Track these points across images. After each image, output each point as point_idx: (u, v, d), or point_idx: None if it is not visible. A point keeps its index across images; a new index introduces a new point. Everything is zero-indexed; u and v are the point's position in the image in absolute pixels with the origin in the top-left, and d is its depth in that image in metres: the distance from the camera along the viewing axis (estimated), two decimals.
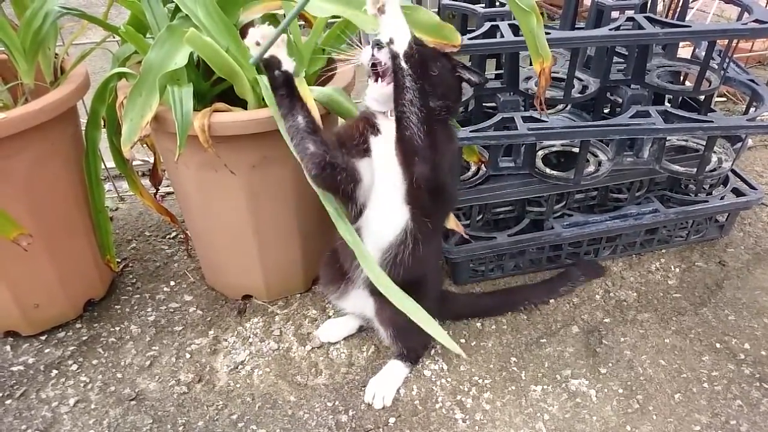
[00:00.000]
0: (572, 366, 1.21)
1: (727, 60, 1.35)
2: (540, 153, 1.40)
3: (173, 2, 1.07)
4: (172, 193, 1.68)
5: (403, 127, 0.90)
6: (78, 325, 1.32)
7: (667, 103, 1.43)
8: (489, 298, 1.36)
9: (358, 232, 1.01)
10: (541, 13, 1.07)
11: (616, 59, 1.44)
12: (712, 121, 1.25)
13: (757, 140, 1.98)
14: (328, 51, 1.14)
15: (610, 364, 1.21)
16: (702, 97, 1.39)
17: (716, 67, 1.38)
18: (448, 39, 0.99)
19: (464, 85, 1.01)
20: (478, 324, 1.31)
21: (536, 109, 1.08)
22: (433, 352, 1.24)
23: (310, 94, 1.09)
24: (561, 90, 1.30)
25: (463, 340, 1.27)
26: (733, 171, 1.55)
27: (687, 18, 1.48)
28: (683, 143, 1.48)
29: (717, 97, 2.17)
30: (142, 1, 1.10)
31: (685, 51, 1.77)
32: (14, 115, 1.03)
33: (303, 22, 1.30)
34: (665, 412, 1.12)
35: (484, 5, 1.44)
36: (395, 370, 1.18)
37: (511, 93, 1.32)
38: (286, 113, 0.97)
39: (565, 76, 1.27)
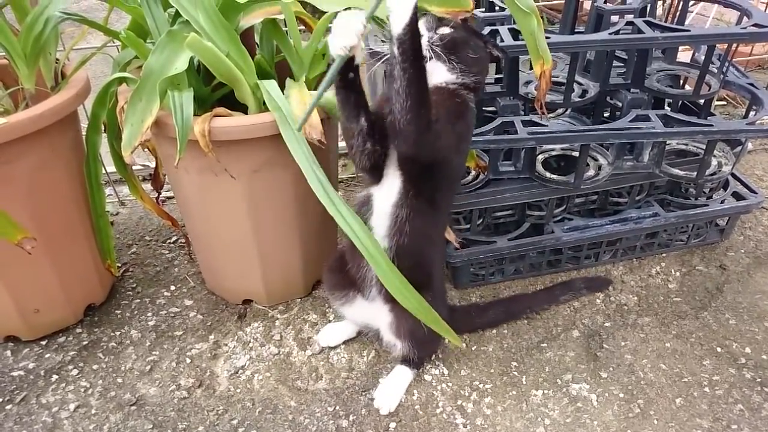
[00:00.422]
0: (573, 370, 1.21)
1: (726, 64, 1.35)
2: (540, 157, 1.40)
3: (174, 7, 1.07)
4: (173, 197, 1.68)
5: (391, 111, 0.93)
6: (78, 330, 1.32)
7: (667, 108, 1.43)
8: (491, 311, 1.33)
9: (371, 199, 1.06)
10: (541, 18, 1.07)
11: (616, 63, 1.44)
12: (711, 125, 1.25)
13: (758, 144, 1.98)
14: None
15: (611, 369, 1.21)
16: (702, 101, 1.39)
17: (716, 71, 1.38)
18: (459, 5, 0.98)
19: None
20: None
21: (536, 113, 1.08)
22: (433, 356, 1.24)
23: (310, 98, 1.09)
24: (561, 94, 1.30)
25: (463, 345, 1.27)
26: (733, 175, 1.56)
27: (686, 22, 1.48)
28: (683, 147, 1.48)
29: (717, 100, 2.17)
30: (143, 6, 1.10)
31: (685, 55, 1.77)
32: (15, 120, 1.03)
33: (303, 27, 1.30)
34: (666, 417, 1.12)
35: (484, 9, 1.44)
36: (402, 376, 1.18)
37: (511, 97, 1.32)
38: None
39: (565, 81, 1.28)
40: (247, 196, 1.17)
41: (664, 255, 1.51)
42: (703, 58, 1.29)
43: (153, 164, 1.38)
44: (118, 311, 1.37)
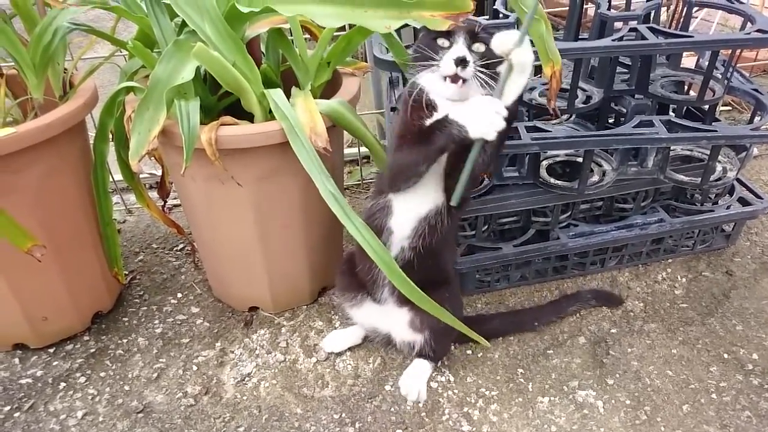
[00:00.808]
0: (579, 377, 1.21)
1: (730, 70, 1.35)
2: (544, 163, 1.40)
3: (180, 17, 1.08)
4: (180, 205, 1.69)
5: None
6: (86, 338, 1.33)
7: (672, 113, 1.43)
8: (497, 320, 1.33)
9: (390, 203, 1.04)
10: None
11: (620, 69, 1.45)
12: (715, 131, 1.25)
13: (763, 149, 1.97)
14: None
15: (618, 375, 1.21)
16: (706, 107, 1.39)
17: (720, 76, 1.38)
18: (460, 8, 0.93)
19: None
20: None
21: (540, 119, 1.09)
22: (439, 363, 1.24)
23: (315, 107, 1.10)
24: (565, 100, 1.31)
25: (469, 352, 1.27)
26: (738, 180, 1.55)
27: (691, 27, 1.48)
28: (688, 153, 1.48)
29: (722, 106, 2.17)
30: (150, 16, 1.11)
31: (689, 61, 1.77)
32: (24, 129, 1.05)
33: (308, 36, 1.31)
34: (673, 424, 1.11)
35: (488, 17, 1.45)
36: (423, 367, 1.20)
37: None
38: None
39: (569, 87, 1.28)
40: (253, 204, 1.17)
41: (670, 261, 1.51)
42: (707, 63, 1.29)
43: (159, 172, 1.39)
44: (125, 319, 1.38)
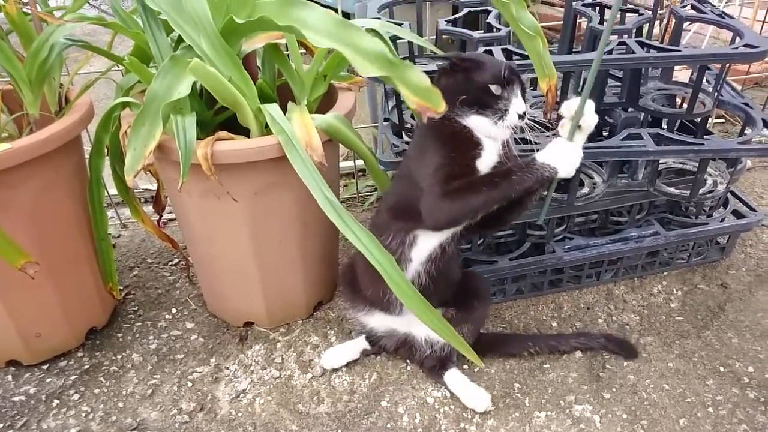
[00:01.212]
0: (576, 391, 1.20)
1: (720, 83, 1.36)
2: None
3: (177, 33, 1.09)
4: (175, 219, 1.68)
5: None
6: (80, 354, 1.32)
7: (664, 126, 1.44)
8: (496, 340, 1.32)
9: (417, 238, 1.08)
10: None
11: (612, 83, 1.46)
12: (702, 144, 1.26)
13: (757, 161, 1.99)
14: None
15: (614, 389, 1.21)
16: (698, 120, 1.40)
17: (711, 90, 1.40)
18: (433, 105, 0.93)
19: None
20: None
21: (532, 131, 1.10)
22: (437, 377, 1.23)
23: (311, 122, 1.10)
24: (554, 113, 1.31)
25: (466, 366, 1.26)
26: (732, 193, 1.56)
27: (684, 40, 1.50)
28: (680, 166, 1.49)
29: (716, 118, 2.19)
30: (146, 32, 1.12)
31: (685, 74, 1.79)
32: (20, 145, 1.05)
33: (304, 50, 1.32)
34: None
35: (483, 31, 1.46)
36: (459, 376, 1.20)
37: None
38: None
39: (558, 99, 1.29)
40: (248, 219, 1.17)
41: (665, 274, 1.51)
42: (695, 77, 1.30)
43: (154, 186, 1.39)
44: (120, 335, 1.37)
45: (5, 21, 1.16)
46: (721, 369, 1.25)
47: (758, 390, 1.19)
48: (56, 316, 1.25)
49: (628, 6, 1.56)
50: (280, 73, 1.26)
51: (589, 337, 1.29)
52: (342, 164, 1.89)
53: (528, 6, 1.04)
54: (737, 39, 1.27)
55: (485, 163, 1.00)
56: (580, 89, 1.45)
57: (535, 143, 1.24)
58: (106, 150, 1.22)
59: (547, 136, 1.49)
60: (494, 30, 1.37)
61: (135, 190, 1.33)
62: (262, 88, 1.18)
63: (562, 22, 1.54)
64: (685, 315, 1.39)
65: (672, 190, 1.37)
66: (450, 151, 0.98)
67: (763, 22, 2.16)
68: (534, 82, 1.44)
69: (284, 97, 1.22)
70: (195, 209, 1.20)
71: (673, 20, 1.45)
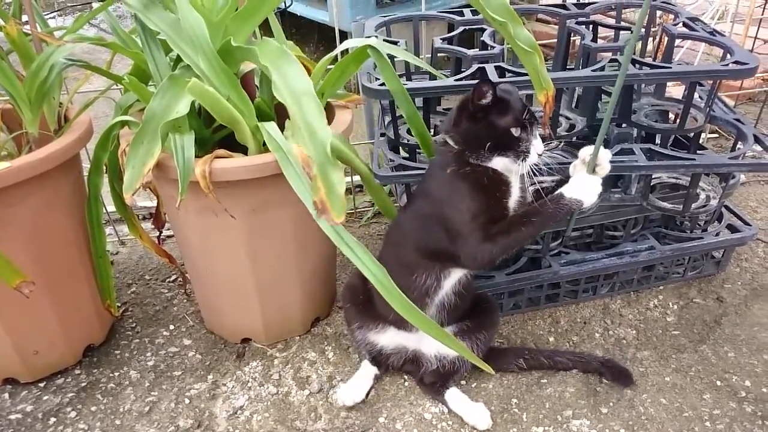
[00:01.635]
0: (573, 406, 1.21)
1: (711, 99, 1.38)
2: (531, 189, 1.41)
3: (175, 52, 1.10)
4: (173, 236, 1.69)
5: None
6: (77, 371, 1.32)
7: (658, 142, 1.45)
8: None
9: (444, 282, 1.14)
10: None
11: (606, 99, 1.48)
12: (693, 159, 1.27)
13: (751, 176, 2.00)
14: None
15: (611, 404, 1.21)
16: (691, 135, 1.42)
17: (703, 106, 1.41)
18: (336, 213, 0.95)
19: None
20: None
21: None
22: (435, 394, 1.23)
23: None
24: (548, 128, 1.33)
25: (463, 382, 1.26)
26: (727, 207, 1.57)
27: (678, 56, 1.52)
28: (674, 181, 1.50)
29: (709, 134, 2.21)
30: (145, 52, 1.14)
31: (678, 90, 1.81)
32: (19, 164, 1.06)
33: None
34: None
35: (478, 48, 1.48)
36: (459, 395, 1.21)
37: None
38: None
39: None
40: (246, 236, 1.18)
41: (661, 288, 1.52)
42: (696, 94, 1.32)
43: (154, 203, 1.39)
44: (117, 352, 1.37)
45: (5, 41, 1.17)
46: (718, 383, 1.25)
47: (755, 404, 1.20)
48: (54, 334, 1.25)
49: (622, 24, 1.58)
50: None
51: (588, 360, 1.28)
52: None
53: (524, 24, 1.06)
54: (728, 56, 1.29)
55: (513, 198, 1.07)
56: (574, 105, 1.47)
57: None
58: (104, 168, 1.23)
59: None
60: (489, 48, 1.39)
61: (134, 208, 1.34)
62: (259, 106, 1.19)
63: (556, 40, 1.56)
64: (681, 329, 1.39)
65: (665, 204, 1.38)
66: (484, 196, 1.04)
67: (755, 38, 2.19)
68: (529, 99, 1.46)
69: (282, 115, 1.23)
70: (193, 226, 1.21)
71: (666, 37, 1.47)
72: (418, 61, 1.31)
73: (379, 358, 1.26)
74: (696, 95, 1.35)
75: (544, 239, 1.39)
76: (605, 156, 1.05)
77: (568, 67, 1.55)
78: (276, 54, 1.02)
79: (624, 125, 1.38)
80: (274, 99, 1.28)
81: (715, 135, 2.27)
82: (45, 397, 1.25)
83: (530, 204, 1.07)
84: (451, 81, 1.24)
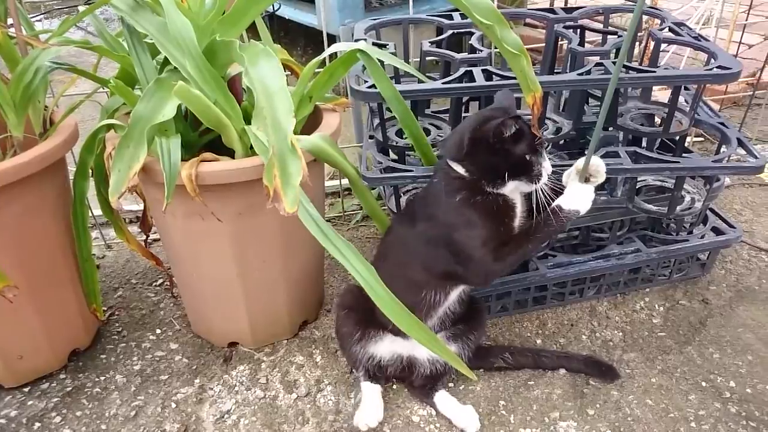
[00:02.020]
0: (560, 408, 1.21)
1: (696, 103, 1.39)
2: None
3: (162, 55, 1.10)
4: (159, 239, 1.68)
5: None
6: (62, 376, 1.30)
7: (644, 145, 1.47)
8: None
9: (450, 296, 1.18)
10: None
11: (593, 102, 1.49)
12: (678, 162, 1.29)
13: (735, 179, 2.03)
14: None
15: (598, 405, 1.21)
16: (677, 138, 1.43)
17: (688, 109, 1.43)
18: (288, 204, 0.93)
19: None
20: None
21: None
22: (423, 397, 1.23)
23: (296, 142, 1.11)
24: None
25: (451, 384, 1.27)
26: (712, 210, 1.59)
27: (663, 61, 1.53)
28: (660, 183, 1.52)
29: (695, 137, 2.23)
30: (132, 56, 1.13)
31: (664, 95, 1.83)
32: (3, 167, 1.05)
33: (289, 72, 1.33)
34: None
35: (467, 52, 1.49)
36: (448, 397, 1.21)
37: None
38: None
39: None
40: (233, 239, 1.18)
41: (647, 290, 1.53)
42: (681, 97, 1.33)
43: (140, 207, 1.39)
44: (103, 356, 1.36)
45: None
46: (703, 384, 1.26)
47: (740, 404, 1.21)
48: (38, 338, 1.24)
49: (609, 28, 1.59)
50: None
51: (571, 360, 1.30)
52: (328, 183, 1.90)
53: (511, 28, 1.07)
54: (712, 60, 1.31)
55: (518, 218, 1.11)
56: (561, 108, 1.49)
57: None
58: (90, 171, 1.22)
59: None
60: (477, 51, 1.40)
61: (120, 212, 1.33)
62: (247, 110, 1.19)
63: (543, 44, 1.57)
64: (667, 331, 1.40)
65: (650, 206, 1.39)
66: (494, 222, 1.07)
67: (739, 43, 2.22)
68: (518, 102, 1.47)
69: None
70: (179, 230, 1.21)
71: (652, 42, 1.48)
72: (406, 66, 1.31)
73: (378, 374, 1.24)
74: (681, 99, 1.36)
75: None
76: (602, 166, 1.08)
77: (555, 71, 1.56)
78: (256, 50, 1.01)
79: (610, 128, 1.40)
80: None
81: (701, 139, 2.29)
82: (29, 402, 1.24)
83: (531, 218, 1.10)
84: (439, 84, 1.24)
